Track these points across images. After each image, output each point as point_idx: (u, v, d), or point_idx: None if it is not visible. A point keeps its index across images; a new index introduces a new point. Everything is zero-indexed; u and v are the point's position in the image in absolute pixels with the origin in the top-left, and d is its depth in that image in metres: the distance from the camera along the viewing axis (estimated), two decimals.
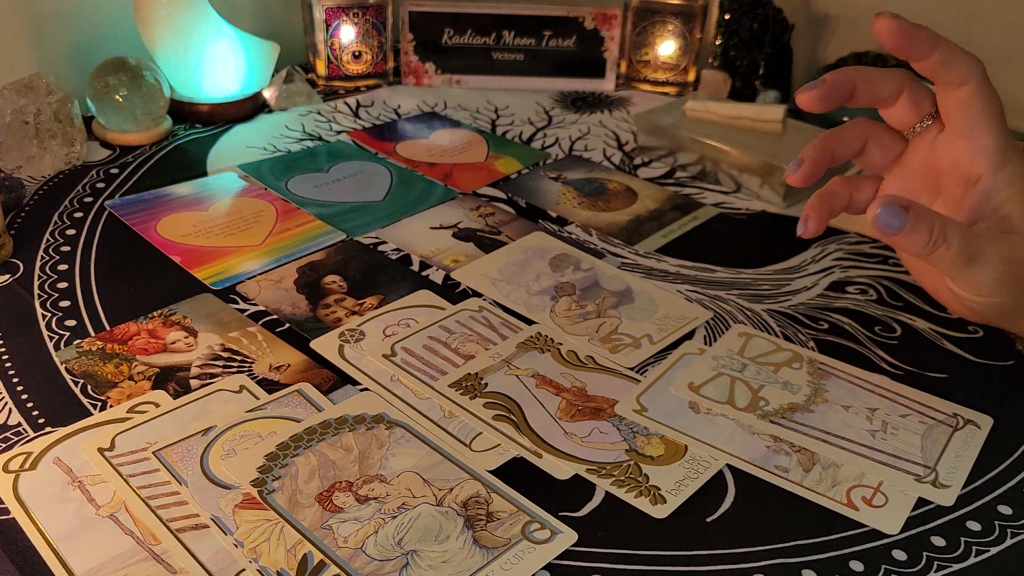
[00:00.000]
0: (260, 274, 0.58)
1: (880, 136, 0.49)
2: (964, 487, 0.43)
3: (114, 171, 0.72)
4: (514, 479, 0.42)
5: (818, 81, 0.46)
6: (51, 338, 0.51)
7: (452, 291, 0.57)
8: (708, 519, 0.40)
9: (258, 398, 0.46)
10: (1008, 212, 0.44)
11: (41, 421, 0.44)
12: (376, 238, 0.63)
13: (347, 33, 0.90)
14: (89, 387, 0.47)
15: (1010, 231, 0.43)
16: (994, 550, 0.39)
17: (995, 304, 0.44)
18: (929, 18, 0.85)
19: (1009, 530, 0.40)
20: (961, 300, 0.46)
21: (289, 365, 0.49)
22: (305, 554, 0.37)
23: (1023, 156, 0.44)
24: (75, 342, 0.50)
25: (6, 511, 0.39)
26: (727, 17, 0.88)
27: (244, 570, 0.36)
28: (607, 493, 0.41)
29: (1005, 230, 0.43)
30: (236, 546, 0.37)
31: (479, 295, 0.57)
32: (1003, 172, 0.44)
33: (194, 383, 0.48)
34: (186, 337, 0.51)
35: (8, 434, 0.43)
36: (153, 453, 0.42)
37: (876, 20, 0.43)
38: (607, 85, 0.95)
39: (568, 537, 0.39)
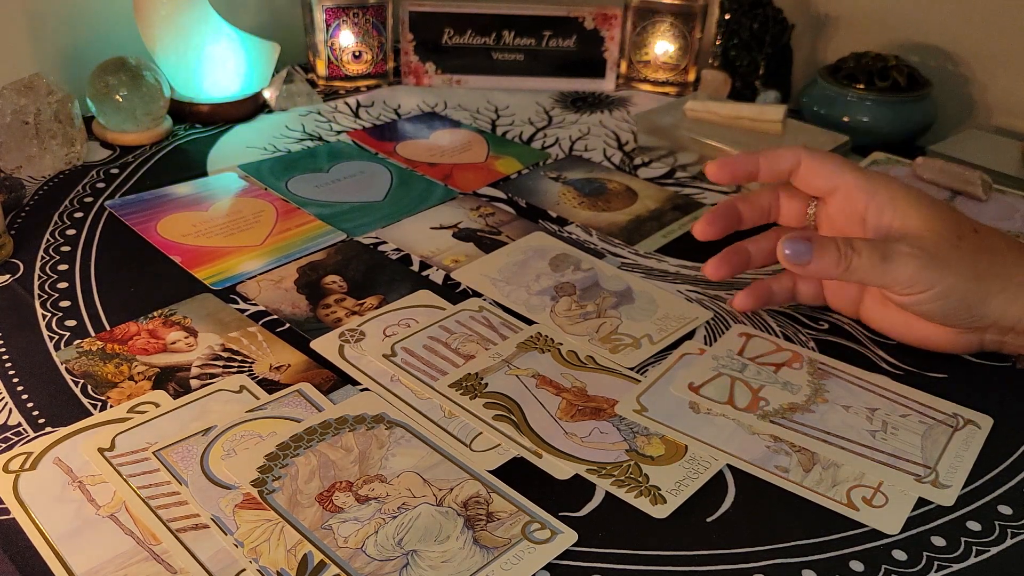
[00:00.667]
0: (260, 274, 0.58)
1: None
2: (964, 487, 0.43)
3: (114, 171, 0.72)
4: (514, 479, 0.42)
5: (705, 214, 0.52)
6: (51, 338, 0.51)
7: (452, 291, 0.57)
8: (708, 519, 0.40)
9: (258, 398, 0.46)
10: (901, 221, 0.48)
11: (41, 421, 0.44)
12: (376, 238, 0.63)
13: (347, 33, 0.90)
14: (89, 387, 0.47)
15: (910, 231, 0.47)
16: (994, 550, 0.39)
17: (942, 294, 0.46)
18: (928, 19, 0.86)
19: (1009, 530, 0.40)
20: (916, 309, 0.48)
21: (289, 365, 0.49)
22: (305, 554, 0.37)
23: (888, 177, 0.50)
24: (75, 342, 0.50)
25: (6, 511, 0.39)
26: (727, 17, 0.88)
27: (244, 570, 0.36)
28: (607, 493, 0.41)
29: (906, 233, 0.47)
30: (236, 546, 0.37)
31: (479, 295, 0.57)
32: (878, 194, 0.48)
33: (194, 383, 0.48)
34: (186, 337, 0.51)
35: (8, 434, 0.43)
36: (153, 453, 0.42)
37: (705, 169, 0.52)
38: (607, 85, 0.95)
39: (568, 537, 0.39)
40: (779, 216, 0.54)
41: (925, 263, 0.45)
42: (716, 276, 0.52)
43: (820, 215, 0.52)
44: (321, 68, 0.91)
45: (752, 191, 0.54)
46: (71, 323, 0.52)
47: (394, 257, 0.61)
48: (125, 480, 0.41)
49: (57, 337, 0.51)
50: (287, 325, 0.53)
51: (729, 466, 0.43)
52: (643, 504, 0.41)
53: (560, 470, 0.43)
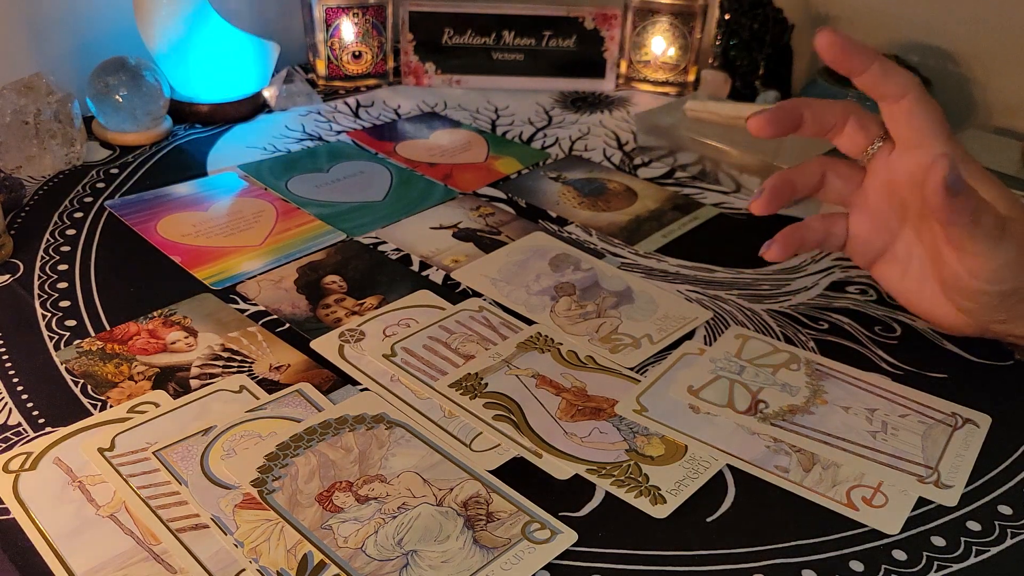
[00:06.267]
0: (260, 274, 0.58)
1: (838, 168, 0.51)
2: (965, 487, 0.43)
3: (114, 171, 0.72)
4: (514, 479, 0.42)
5: (767, 108, 0.48)
6: (51, 338, 0.51)
7: (452, 291, 0.57)
8: (708, 519, 0.40)
9: (258, 398, 0.46)
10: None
11: (41, 421, 0.44)
12: (376, 238, 0.63)
13: (347, 33, 0.90)
14: (89, 387, 0.47)
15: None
16: (994, 550, 0.39)
17: (1002, 293, 0.45)
18: (928, 19, 0.86)
19: (1009, 530, 0.40)
20: (970, 296, 0.46)
21: (289, 365, 0.49)
22: (305, 554, 0.37)
23: (972, 158, 0.47)
24: (75, 342, 0.50)
25: (6, 511, 0.39)
26: (727, 17, 0.88)
27: (244, 570, 0.36)
28: (607, 493, 0.41)
29: None
30: (236, 546, 0.37)
31: (479, 295, 0.57)
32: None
33: (194, 383, 0.48)
34: (186, 337, 0.51)
35: (8, 434, 0.43)
36: (153, 453, 0.42)
37: (818, 35, 0.46)
38: (607, 85, 0.95)
39: (568, 537, 0.39)
40: (838, 138, 0.50)
41: (1017, 261, 0.44)
42: (763, 212, 0.49)
43: (878, 158, 0.49)
44: (321, 68, 0.91)
45: (825, 101, 0.50)
46: (71, 323, 0.52)
47: (394, 257, 0.61)
48: (125, 480, 0.41)
49: (57, 337, 0.51)
50: (287, 325, 0.53)
51: (729, 466, 0.43)
52: (643, 504, 0.41)
53: (560, 470, 0.43)
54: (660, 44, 0.93)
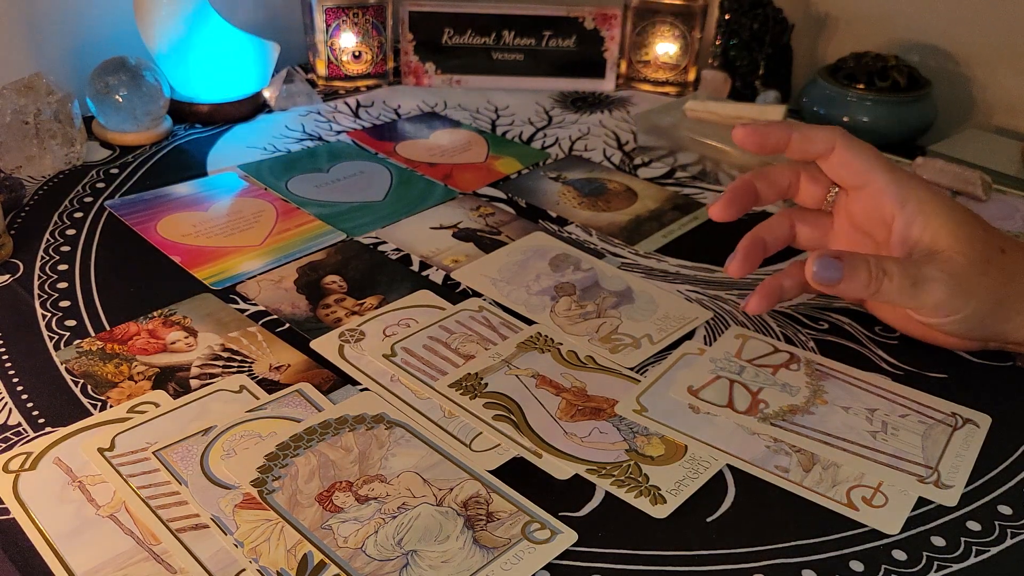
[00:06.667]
0: (260, 274, 0.58)
1: (805, 216, 0.53)
2: (965, 487, 0.43)
3: (114, 171, 0.72)
4: (514, 479, 0.42)
5: (720, 196, 0.50)
6: (51, 338, 0.51)
7: (452, 291, 0.57)
8: (708, 519, 0.40)
9: (258, 398, 0.46)
10: (930, 237, 0.46)
11: (41, 421, 0.44)
12: (376, 238, 0.63)
13: (347, 33, 0.90)
14: (89, 387, 0.47)
15: (941, 250, 0.46)
16: (994, 550, 0.39)
17: (964, 319, 0.46)
18: (928, 19, 0.86)
19: (1009, 530, 0.40)
20: (938, 328, 0.48)
21: (289, 365, 0.49)
22: (305, 554, 0.37)
23: (921, 183, 0.48)
24: (75, 342, 0.50)
25: (6, 511, 0.39)
26: (727, 17, 0.88)
27: (244, 570, 0.36)
28: (607, 493, 0.41)
29: (936, 251, 0.46)
30: (236, 546, 0.37)
31: (479, 295, 0.57)
32: (908, 204, 0.47)
33: (194, 383, 0.48)
34: (186, 337, 0.51)
35: (8, 434, 0.43)
36: (153, 453, 0.42)
37: (732, 133, 0.49)
38: (607, 85, 0.95)
39: (568, 537, 0.39)
40: (797, 196, 0.52)
41: (953, 290, 0.45)
42: (740, 274, 0.50)
43: (839, 203, 0.51)
44: (321, 68, 0.91)
45: (771, 168, 0.52)
46: (71, 323, 0.52)
47: (394, 257, 0.61)
48: (125, 480, 0.41)
49: (57, 337, 0.51)
50: (287, 325, 0.53)
51: (729, 466, 0.43)
52: (643, 504, 0.41)
53: (560, 470, 0.43)
54: (664, 46, 0.93)
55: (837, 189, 0.51)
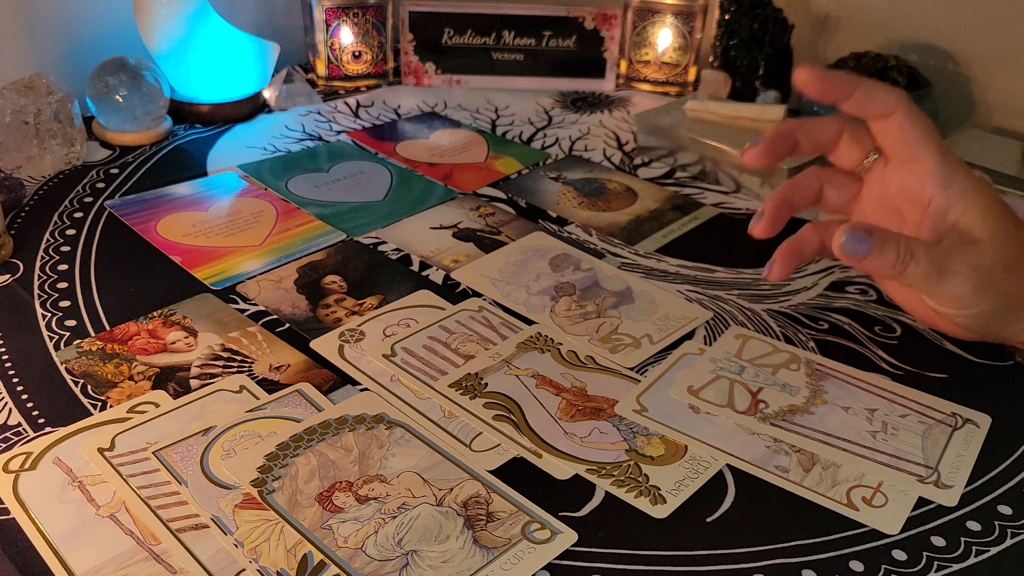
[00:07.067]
0: (260, 274, 0.58)
1: (834, 179, 0.51)
2: (965, 487, 0.43)
3: (114, 171, 0.72)
4: (514, 479, 0.42)
5: (759, 137, 0.48)
6: (51, 338, 0.51)
7: (452, 291, 0.57)
8: (708, 519, 0.40)
9: (258, 398, 0.46)
10: (966, 225, 0.45)
11: (41, 421, 0.44)
12: (376, 238, 0.63)
13: (347, 33, 0.90)
14: (89, 387, 0.47)
15: (973, 242, 0.45)
16: (994, 550, 0.39)
17: (977, 314, 0.46)
18: (928, 19, 0.86)
19: (1009, 530, 0.40)
20: (946, 317, 0.47)
21: (289, 365, 0.49)
22: (305, 554, 0.37)
23: (968, 169, 0.46)
24: (75, 342, 0.50)
25: (6, 511, 0.39)
26: (727, 17, 0.88)
27: (244, 570, 0.36)
28: (607, 493, 0.41)
29: (968, 242, 0.45)
30: (236, 546, 0.37)
31: (479, 295, 0.57)
32: (952, 187, 0.45)
33: (194, 383, 0.48)
34: (186, 337, 0.51)
35: (8, 434, 0.43)
36: (153, 453, 0.42)
37: (796, 73, 0.47)
38: (607, 85, 0.95)
39: (568, 537, 0.39)
40: (833, 153, 0.50)
41: (977, 286, 0.44)
42: (766, 235, 0.48)
43: (874, 171, 0.49)
44: (321, 68, 0.91)
45: (815, 119, 0.50)
46: (71, 323, 0.52)
47: (394, 257, 0.61)
48: (125, 480, 0.41)
49: (57, 337, 0.51)
50: (287, 325, 0.53)
51: (729, 466, 0.43)
52: (643, 504, 0.41)
53: (560, 470, 0.43)
54: (664, 46, 0.93)
55: (876, 156, 0.49)
